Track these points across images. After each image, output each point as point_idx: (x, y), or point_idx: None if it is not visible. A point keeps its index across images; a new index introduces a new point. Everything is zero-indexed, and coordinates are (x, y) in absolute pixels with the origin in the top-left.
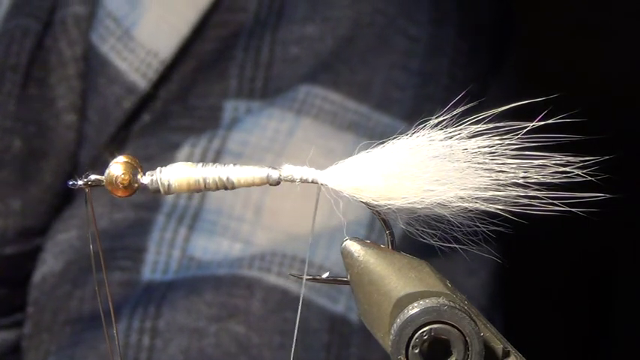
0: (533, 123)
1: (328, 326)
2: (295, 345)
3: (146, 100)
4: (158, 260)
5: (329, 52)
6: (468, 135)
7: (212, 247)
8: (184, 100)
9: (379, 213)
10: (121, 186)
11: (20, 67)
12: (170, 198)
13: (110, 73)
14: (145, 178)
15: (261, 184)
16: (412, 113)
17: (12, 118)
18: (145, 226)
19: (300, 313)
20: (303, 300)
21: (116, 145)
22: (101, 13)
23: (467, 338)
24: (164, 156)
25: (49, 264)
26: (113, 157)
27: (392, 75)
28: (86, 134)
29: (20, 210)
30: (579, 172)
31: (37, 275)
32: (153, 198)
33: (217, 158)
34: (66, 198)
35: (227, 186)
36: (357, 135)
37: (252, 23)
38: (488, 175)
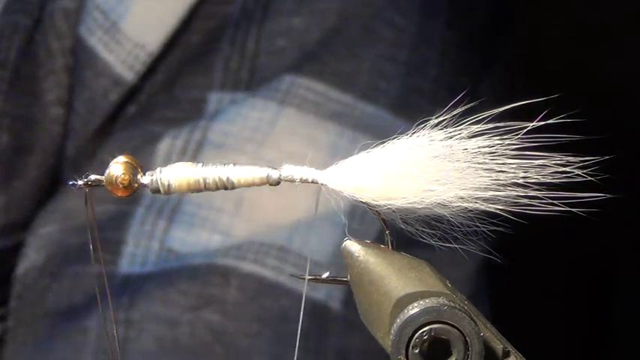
0: (533, 123)
1: (308, 314)
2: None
3: (132, 92)
4: (136, 253)
5: (315, 42)
6: (468, 135)
7: (191, 239)
8: (169, 91)
9: (379, 213)
10: (121, 186)
11: (9, 64)
12: None
13: (97, 65)
14: (145, 178)
15: (261, 184)
16: (399, 103)
17: None
18: (125, 218)
19: (279, 301)
20: (282, 288)
21: (101, 137)
22: (90, 5)
23: (467, 338)
24: (146, 148)
25: (31, 258)
26: (113, 156)
27: (378, 65)
28: (72, 126)
29: (4, 205)
30: (579, 172)
31: (20, 269)
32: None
33: (199, 149)
34: (50, 192)
35: (227, 186)
36: (341, 124)
37: (238, 15)
38: (488, 175)
